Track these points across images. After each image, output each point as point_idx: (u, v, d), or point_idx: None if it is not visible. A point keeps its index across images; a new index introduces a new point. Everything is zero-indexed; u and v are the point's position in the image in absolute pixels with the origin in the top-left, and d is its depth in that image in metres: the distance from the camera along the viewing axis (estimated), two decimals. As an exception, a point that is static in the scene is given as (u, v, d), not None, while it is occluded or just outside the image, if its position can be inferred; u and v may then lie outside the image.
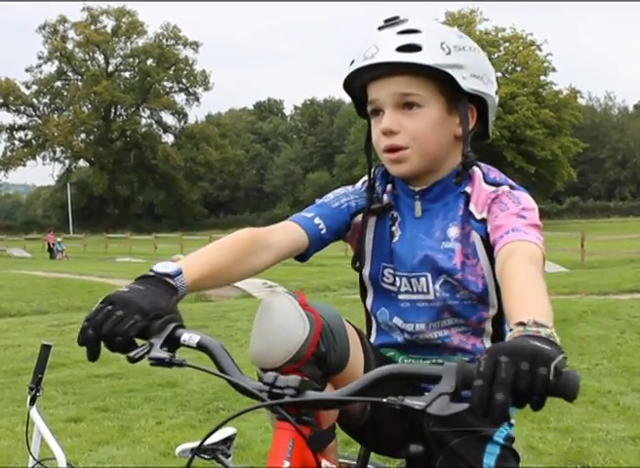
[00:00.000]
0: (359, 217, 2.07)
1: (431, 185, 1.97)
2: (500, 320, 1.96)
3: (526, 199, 1.87)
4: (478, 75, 1.89)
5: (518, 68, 66.81)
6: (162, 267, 1.66)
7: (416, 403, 1.25)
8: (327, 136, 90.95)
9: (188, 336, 1.52)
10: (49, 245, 43.75)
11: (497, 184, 1.92)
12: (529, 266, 1.60)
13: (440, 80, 1.86)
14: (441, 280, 1.94)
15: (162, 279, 1.63)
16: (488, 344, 1.95)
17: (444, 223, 1.95)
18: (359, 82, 1.95)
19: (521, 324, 1.29)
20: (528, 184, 65.50)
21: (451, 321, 1.97)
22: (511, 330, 1.30)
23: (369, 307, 2.13)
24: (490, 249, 1.85)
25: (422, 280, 1.97)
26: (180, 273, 1.65)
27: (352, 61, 1.91)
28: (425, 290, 1.97)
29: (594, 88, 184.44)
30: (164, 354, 1.48)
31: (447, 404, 1.23)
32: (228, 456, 2.65)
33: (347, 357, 1.79)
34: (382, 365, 1.93)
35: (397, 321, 2.03)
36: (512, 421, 1.97)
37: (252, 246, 1.85)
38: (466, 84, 1.86)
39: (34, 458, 2.84)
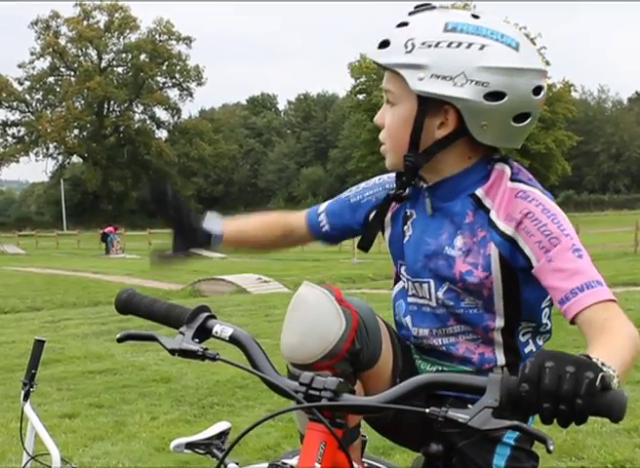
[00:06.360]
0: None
1: (437, 183, 1.86)
2: (511, 332, 1.86)
3: (559, 212, 1.74)
4: (446, 75, 1.71)
5: (511, 62, 66.76)
6: (212, 224, 2.15)
7: (460, 416, 1.22)
8: (321, 131, 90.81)
9: (220, 329, 1.51)
10: (105, 238, 39.88)
11: (524, 189, 1.78)
12: (630, 342, 1.52)
13: None
14: (445, 287, 1.86)
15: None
16: (500, 356, 1.86)
17: (452, 228, 1.84)
18: None
19: (587, 357, 1.25)
20: (522, 178, 65.52)
21: (457, 328, 1.87)
22: None
23: (392, 296, 2.07)
24: (507, 268, 1.77)
25: (425, 286, 1.89)
26: (219, 242, 2.16)
27: None
28: (428, 296, 1.89)
29: (588, 81, 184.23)
30: (196, 346, 1.47)
31: (488, 418, 1.21)
32: (222, 451, 2.64)
33: (379, 354, 1.78)
34: (408, 362, 1.91)
35: (407, 320, 1.97)
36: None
37: (280, 230, 2.22)
38: (420, 86, 1.72)
39: (28, 454, 2.82)
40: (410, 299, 1.95)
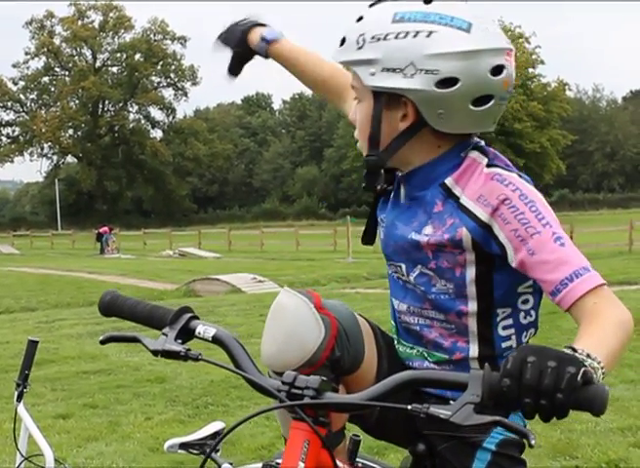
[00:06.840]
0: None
1: (410, 172, 1.82)
2: (488, 321, 1.80)
3: (537, 198, 1.68)
4: (396, 68, 1.68)
5: (506, 61, 66.74)
6: (270, 33, 2.30)
7: (441, 412, 1.23)
8: (315, 131, 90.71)
9: (203, 329, 1.50)
10: (100, 238, 39.63)
11: (500, 172, 1.72)
12: (618, 328, 1.51)
13: None
14: (417, 271, 1.82)
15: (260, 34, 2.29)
16: (474, 347, 1.81)
17: (424, 217, 1.80)
18: None
19: (572, 349, 1.28)
20: (516, 177, 65.74)
21: (432, 313, 1.82)
22: None
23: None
24: (481, 251, 1.72)
25: (399, 269, 1.87)
26: (265, 46, 2.29)
27: None
28: (406, 276, 1.86)
29: (582, 80, 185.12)
30: (179, 347, 1.47)
31: (470, 414, 1.21)
32: (217, 451, 2.64)
33: (362, 358, 1.76)
34: (394, 362, 1.88)
35: (393, 291, 1.96)
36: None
37: (336, 86, 2.26)
38: (371, 81, 1.71)
39: (22, 455, 2.81)
40: (396, 275, 1.92)
